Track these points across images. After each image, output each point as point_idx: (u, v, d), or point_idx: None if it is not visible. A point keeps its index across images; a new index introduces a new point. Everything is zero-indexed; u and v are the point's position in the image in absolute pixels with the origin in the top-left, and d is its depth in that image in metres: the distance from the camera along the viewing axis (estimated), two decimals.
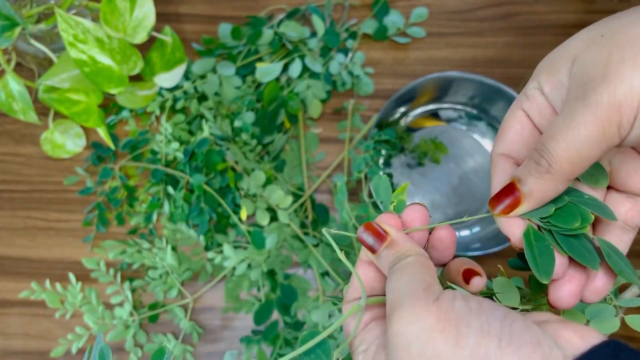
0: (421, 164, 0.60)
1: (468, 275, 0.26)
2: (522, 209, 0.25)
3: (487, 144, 0.61)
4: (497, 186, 0.27)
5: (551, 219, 0.25)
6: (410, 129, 0.62)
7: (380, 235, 0.27)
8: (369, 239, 0.27)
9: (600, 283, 0.26)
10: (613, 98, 0.22)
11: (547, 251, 0.25)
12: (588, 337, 0.21)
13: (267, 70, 0.59)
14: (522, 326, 0.21)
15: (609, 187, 0.28)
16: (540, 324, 0.22)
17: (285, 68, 0.61)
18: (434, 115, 0.62)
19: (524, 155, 0.27)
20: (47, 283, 0.57)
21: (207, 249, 0.58)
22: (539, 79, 0.26)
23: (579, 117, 0.22)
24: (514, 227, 0.26)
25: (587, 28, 0.25)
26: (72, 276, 0.57)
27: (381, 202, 0.31)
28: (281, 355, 0.54)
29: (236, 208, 0.57)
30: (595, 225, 0.28)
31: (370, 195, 0.55)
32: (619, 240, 0.27)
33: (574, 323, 0.22)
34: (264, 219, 0.56)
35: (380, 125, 0.58)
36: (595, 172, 0.26)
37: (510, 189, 0.25)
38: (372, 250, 0.27)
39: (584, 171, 0.24)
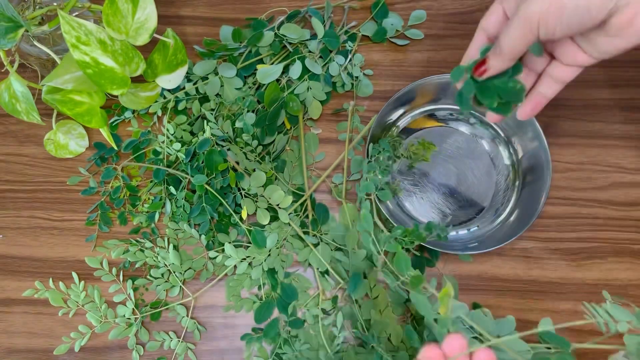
0: (412, 167, 0.61)
1: None
2: (487, 74, 0.40)
3: (484, 144, 0.62)
4: (472, 48, 0.44)
5: (478, 95, 0.41)
6: (409, 130, 0.62)
7: None
8: None
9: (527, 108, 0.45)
10: (528, 15, 0.36)
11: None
12: None
13: (268, 72, 0.60)
14: None
15: (554, 58, 0.43)
16: None
17: (286, 69, 0.62)
18: (432, 116, 0.63)
19: (493, 33, 0.43)
20: (50, 282, 0.58)
21: (208, 248, 0.58)
22: None
23: (512, 24, 0.37)
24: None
25: None
26: (75, 275, 0.58)
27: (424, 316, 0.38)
28: (281, 353, 0.54)
29: (237, 208, 0.57)
30: (541, 74, 0.44)
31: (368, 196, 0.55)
32: (550, 87, 0.44)
33: None
34: (264, 218, 0.56)
35: (374, 138, 0.59)
36: (536, 48, 0.41)
37: (482, 63, 0.40)
38: None
39: (520, 55, 0.39)
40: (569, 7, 0.35)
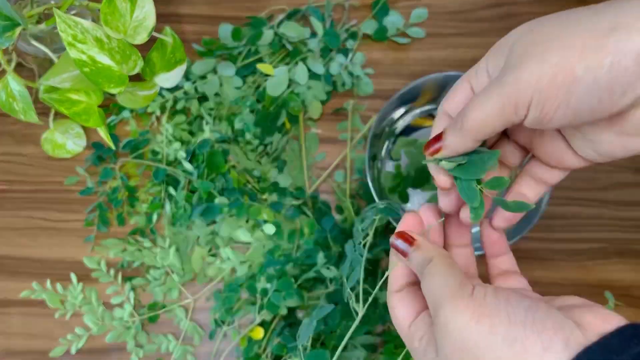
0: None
1: None
2: (441, 154, 0.31)
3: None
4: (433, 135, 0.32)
5: (455, 171, 0.31)
6: (409, 129, 0.62)
7: (409, 241, 0.32)
8: (401, 244, 0.32)
9: (506, 215, 0.34)
10: (514, 83, 0.26)
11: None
12: (611, 320, 0.25)
13: (277, 82, 0.59)
14: (544, 314, 0.25)
15: (534, 157, 0.33)
16: (567, 308, 0.27)
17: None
18: (433, 115, 0.62)
19: None
20: (48, 283, 0.57)
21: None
22: (487, 60, 0.30)
23: (489, 92, 0.27)
24: (437, 173, 0.32)
25: (532, 20, 0.28)
26: (73, 276, 0.58)
27: None
28: (281, 353, 0.54)
29: None
30: (520, 174, 0.34)
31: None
32: (531, 188, 0.34)
33: (598, 307, 0.26)
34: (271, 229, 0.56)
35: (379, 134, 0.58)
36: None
37: (438, 138, 0.31)
38: (404, 254, 0.32)
39: (488, 136, 0.29)
40: (583, 82, 0.24)
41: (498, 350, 0.25)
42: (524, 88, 0.26)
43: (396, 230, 0.33)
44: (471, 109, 0.28)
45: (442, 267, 0.30)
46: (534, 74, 0.25)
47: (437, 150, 0.31)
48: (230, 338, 0.56)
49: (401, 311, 0.32)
